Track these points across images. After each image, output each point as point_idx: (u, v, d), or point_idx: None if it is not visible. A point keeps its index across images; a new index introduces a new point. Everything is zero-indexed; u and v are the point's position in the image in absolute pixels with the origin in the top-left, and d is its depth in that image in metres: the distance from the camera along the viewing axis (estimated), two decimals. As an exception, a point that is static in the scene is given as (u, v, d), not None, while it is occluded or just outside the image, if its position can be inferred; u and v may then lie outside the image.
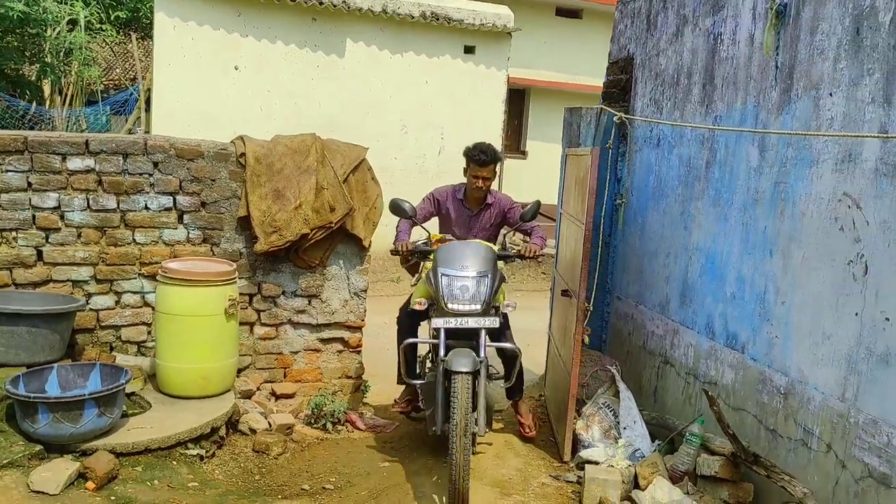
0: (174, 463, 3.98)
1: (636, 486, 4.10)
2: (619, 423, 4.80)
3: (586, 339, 5.23)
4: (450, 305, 4.13)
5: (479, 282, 4.16)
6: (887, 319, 3.07)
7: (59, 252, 4.61)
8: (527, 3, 15.15)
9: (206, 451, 4.18)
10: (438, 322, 4.10)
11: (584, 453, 4.62)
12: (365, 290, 5.45)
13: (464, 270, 4.17)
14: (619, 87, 6.03)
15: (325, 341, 5.38)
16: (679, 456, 4.14)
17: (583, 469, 4.36)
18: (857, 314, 3.25)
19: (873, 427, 3.10)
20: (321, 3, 10.47)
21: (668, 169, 5.13)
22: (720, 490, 3.84)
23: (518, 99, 15.38)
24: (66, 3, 12.44)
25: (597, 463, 4.44)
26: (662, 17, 5.37)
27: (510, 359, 4.62)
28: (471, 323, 4.08)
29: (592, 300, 5.50)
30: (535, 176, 13.98)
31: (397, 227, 4.93)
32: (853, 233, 3.30)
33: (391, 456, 4.71)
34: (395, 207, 4.64)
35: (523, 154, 15.82)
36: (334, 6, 10.56)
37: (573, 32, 15.63)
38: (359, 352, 5.51)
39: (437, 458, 4.63)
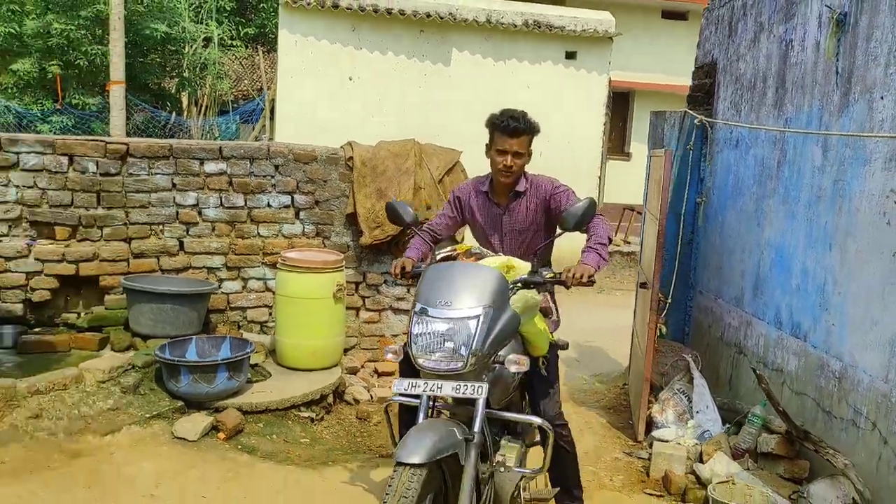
0: (289, 422, 4.66)
1: (700, 461, 4.44)
2: (692, 407, 5.12)
3: (663, 329, 5.58)
4: (419, 360, 2.69)
5: (466, 325, 2.65)
6: (924, 306, 3.31)
7: (197, 243, 5.41)
8: (632, 7, 15.32)
9: (316, 415, 4.84)
10: (399, 385, 2.71)
11: (657, 433, 4.97)
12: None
13: (444, 308, 2.69)
14: (703, 91, 6.31)
15: (422, 326, 5.95)
16: (742, 435, 4.44)
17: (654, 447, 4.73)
18: (899, 302, 3.49)
19: (910, 405, 3.35)
20: (429, 16, 11.13)
21: (745, 169, 5.40)
22: (777, 466, 4.13)
23: (622, 101, 15.57)
24: (202, 23, 13.72)
25: (666, 441, 4.79)
26: (742, 25, 5.64)
27: (544, 437, 3.06)
28: (445, 389, 2.65)
29: (671, 293, 5.83)
30: (640, 177, 14.11)
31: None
32: (898, 226, 3.55)
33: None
34: (391, 212, 3.27)
35: (627, 156, 15.99)
36: (441, 18, 11.19)
37: (679, 34, 15.67)
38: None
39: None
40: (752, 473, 4.08)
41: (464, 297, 2.72)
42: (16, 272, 5.08)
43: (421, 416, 2.70)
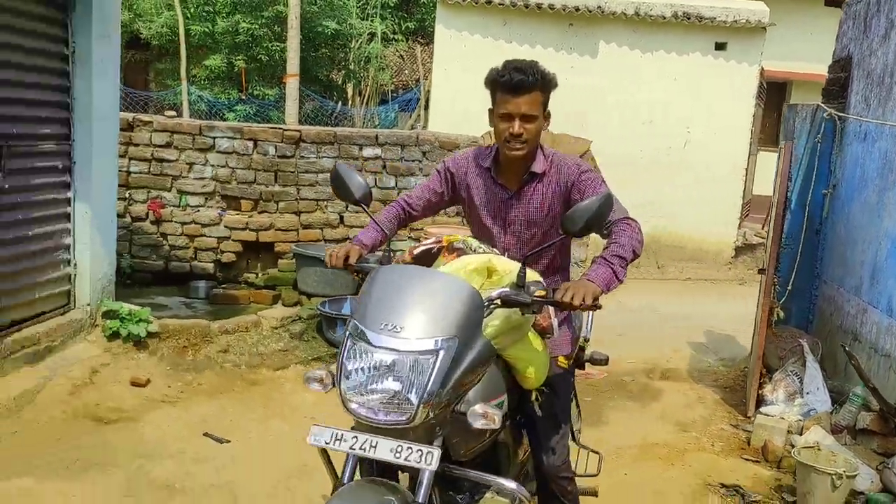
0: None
1: (799, 435, 4.73)
2: (803, 388, 5.37)
3: (780, 314, 5.82)
4: (350, 404, 2.00)
5: (418, 363, 1.95)
6: None
7: (354, 217, 6.26)
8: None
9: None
10: (318, 436, 2.03)
11: (764, 409, 5.28)
12: (584, 260, 6.50)
13: (390, 335, 1.97)
14: (838, 85, 6.41)
15: (549, 301, 6.52)
16: (842, 413, 4.69)
17: (760, 421, 5.05)
18: None
19: None
20: (577, 10, 11.53)
21: (870, 162, 5.52)
22: (871, 442, 4.37)
23: (777, 92, 15.19)
24: (367, 20, 14.86)
25: (771, 416, 5.10)
26: (876, 20, 5.73)
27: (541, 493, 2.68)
28: (381, 451, 1.96)
29: (793, 281, 6.03)
30: (790, 170, 13.78)
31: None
32: None
33: (592, 395, 5.75)
34: (335, 180, 2.49)
35: (782, 148, 15.58)
36: (590, 11, 11.56)
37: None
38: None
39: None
40: (846, 448, 4.34)
41: (419, 322, 1.96)
42: (209, 237, 6.16)
43: (347, 474, 2.05)
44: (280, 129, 6.24)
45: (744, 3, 11.86)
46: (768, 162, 15.08)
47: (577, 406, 3.55)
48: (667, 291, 9.89)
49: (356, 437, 1.99)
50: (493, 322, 2.22)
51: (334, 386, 2.09)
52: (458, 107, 11.71)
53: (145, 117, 6.41)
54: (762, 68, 12.32)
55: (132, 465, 3.68)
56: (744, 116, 12.06)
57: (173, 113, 6.97)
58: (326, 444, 2.01)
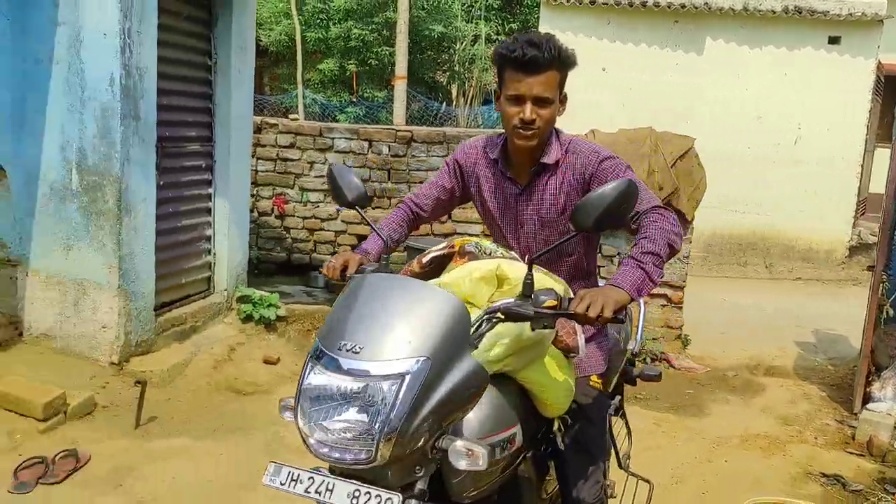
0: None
1: (906, 431, 4.72)
2: (913, 387, 5.32)
3: (890, 312, 5.76)
4: (308, 440, 1.71)
5: (380, 390, 1.64)
6: None
7: (461, 213, 6.59)
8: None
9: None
10: (273, 475, 1.76)
11: (871, 405, 5.26)
12: (687, 256, 6.59)
13: (350, 356, 1.69)
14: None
15: (651, 296, 6.64)
16: (953, 411, 4.65)
17: (866, 418, 5.05)
18: None
19: None
20: (683, 7, 11.49)
21: None
22: (981, 440, 4.33)
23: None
24: (471, 22, 15.23)
25: (878, 412, 5.09)
26: None
27: None
28: (336, 496, 1.69)
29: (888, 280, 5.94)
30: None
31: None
32: None
33: (693, 388, 5.85)
34: (330, 181, 2.28)
35: (902, 143, 14.92)
36: (696, 8, 11.49)
37: (971, 11, 14.26)
38: (680, 307, 6.67)
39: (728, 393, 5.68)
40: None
41: (386, 341, 1.69)
42: (327, 231, 6.64)
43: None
44: (393, 129, 6.64)
45: (860, -5, 11.50)
46: (886, 159, 14.48)
47: (627, 427, 3.19)
48: (775, 291, 9.78)
49: (312, 478, 1.71)
50: (502, 340, 1.92)
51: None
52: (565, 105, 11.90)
53: (272, 120, 6.96)
54: (879, 62, 11.91)
55: (268, 430, 4.12)
56: (859, 112, 11.68)
57: (296, 116, 7.52)
58: (281, 485, 1.72)
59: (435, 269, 2.23)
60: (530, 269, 1.83)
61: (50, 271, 4.32)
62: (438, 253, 2.27)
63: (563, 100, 2.26)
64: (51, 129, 4.17)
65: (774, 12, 11.50)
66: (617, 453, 2.92)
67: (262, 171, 6.93)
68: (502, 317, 1.82)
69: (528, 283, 1.82)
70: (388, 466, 1.67)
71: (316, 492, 1.69)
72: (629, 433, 3.20)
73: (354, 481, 1.68)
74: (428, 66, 15.71)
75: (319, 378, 1.68)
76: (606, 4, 11.62)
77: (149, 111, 4.31)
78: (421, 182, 6.58)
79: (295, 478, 1.72)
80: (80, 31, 4.04)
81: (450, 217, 6.68)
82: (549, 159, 2.25)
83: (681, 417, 5.17)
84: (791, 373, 6.41)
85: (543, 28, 11.99)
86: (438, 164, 6.56)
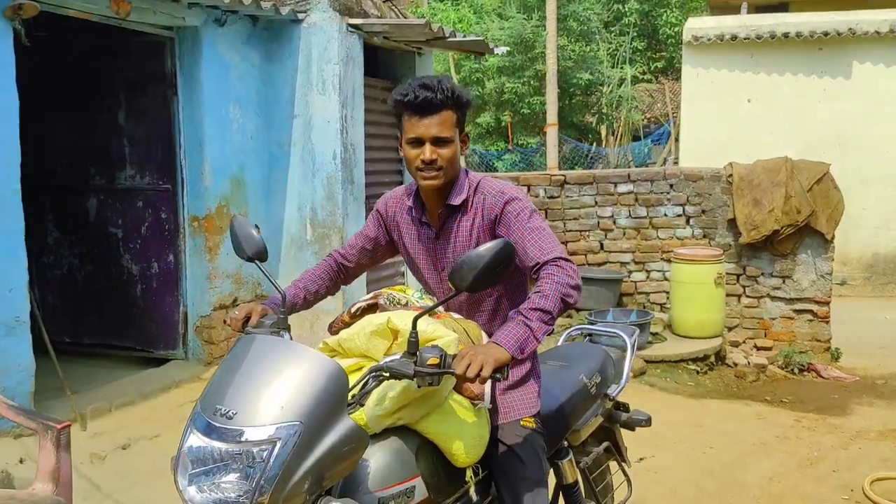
0: (679, 371, 6.39)
1: None
2: None
3: None
4: (185, 490, 1.73)
5: (250, 456, 1.69)
6: None
7: (612, 244, 7.45)
8: None
9: (700, 369, 6.48)
10: None
11: None
12: (830, 273, 7.06)
13: (224, 421, 1.73)
14: None
15: (797, 311, 7.16)
16: None
17: None
18: None
19: None
20: (826, 35, 11.77)
21: None
22: None
23: None
24: (617, 67, 16.09)
25: None
26: None
27: None
28: None
29: None
30: None
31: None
32: None
33: (839, 394, 6.31)
34: (231, 236, 2.32)
35: None
36: (839, 34, 11.74)
37: None
38: (827, 322, 7.12)
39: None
40: None
41: (259, 406, 1.74)
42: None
43: None
44: (549, 175, 7.63)
45: None
46: None
47: (625, 474, 3.18)
48: None
49: None
50: (390, 394, 1.96)
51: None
52: (710, 137, 12.40)
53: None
54: None
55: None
56: None
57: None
58: None
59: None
60: (414, 327, 1.87)
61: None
62: (364, 304, 2.38)
63: (464, 139, 2.29)
64: (291, 195, 5.54)
65: (923, 31, 11.53)
66: (598, 500, 2.93)
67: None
68: (387, 374, 1.87)
69: (413, 342, 1.86)
70: None
71: None
72: (628, 480, 3.15)
73: None
74: (577, 110, 16.67)
75: (195, 440, 1.71)
76: (748, 39, 12.11)
77: (359, 176, 5.59)
78: (575, 219, 7.50)
79: None
80: (311, 120, 5.40)
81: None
82: (456, 200, 2.25)
83: (823, 416, 5.70)
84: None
85: (686, 67, 12.64)
86: (590, 201, 7.48)
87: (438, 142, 2.16)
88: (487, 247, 1.84)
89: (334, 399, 1.77)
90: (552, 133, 13.33)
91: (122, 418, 4.54)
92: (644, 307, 7.39)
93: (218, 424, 1.70)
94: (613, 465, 3.15)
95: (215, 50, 5.09)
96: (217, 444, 1.68)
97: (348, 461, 1.79)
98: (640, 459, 4.51)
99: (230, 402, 1.73)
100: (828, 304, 7.12)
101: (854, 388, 6.47)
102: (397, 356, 1.89)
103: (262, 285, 5.72)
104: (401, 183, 6.51)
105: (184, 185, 5.20)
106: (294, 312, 2.34)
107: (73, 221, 5.29)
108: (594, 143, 16.88)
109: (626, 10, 17.12)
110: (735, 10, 15.05)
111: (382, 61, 6.12)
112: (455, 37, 5.90)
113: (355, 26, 5.35)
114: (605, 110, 16.51)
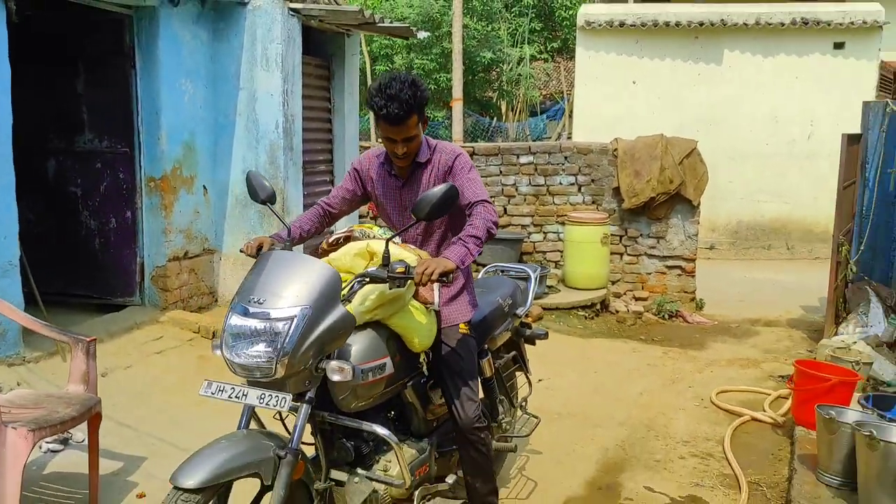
0: (571, 317, 7.49)
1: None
2: (867, 322, 6.96)
3: (853, 269, 7.40)
4: (229, 363, 2.48)
5: (275, 328, 2.40)
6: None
7: (514, 209, 8.45)
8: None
9: (588, 315, 7.61)
10: (206, 388, 2.50)
11: (834, 338, 6.92)
12: (696, 235, 8.31)
13: (256, 306, 2.44)
14: (906, 83, 7.84)
15: (668, 267, 8.39)
16: (884, 333, 6.31)
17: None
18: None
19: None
20: (702, 24, 13.14)
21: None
22: (898, 350, 5.99)
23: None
24: (517, 46, 17.15)
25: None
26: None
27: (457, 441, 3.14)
28: (250, 398, 2.44)
29: (864, 244, 7.54)
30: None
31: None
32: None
33: (700, 334, 7.57)
34: (248, 184, 2.99)
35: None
36: (713, 25, 13.13)
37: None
38: (693, 276, 8.39)
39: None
40: (876, 351, 5.98)
41: (280, 296, 2.44)
42: (412, 227, 8.57)
43: (243, 422, 2.55)
44: (461, 147, 8.55)
45: (859, 6, 12.99)
46: None
47: (528, 378, 4.05)
48: (793, 269, 11.12)
49: (233, 388, 2.44)
50: (371, 296, 2.68)
51: None
52: (599, 115, 13.60)
53: (365, 143, 8.94)
54: (882, 62, 13.33)
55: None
56: (863, 108, 13.14)
57: (378, 141, 9.40)
58: (212, 394, 2.46)
59: (338, 248, 3.02)
60: (387, 246, 2.61)
61: (237, 255, 6.33)
62: (340, 235, 3.12)
63: (425, 122, 2.95)
64: (236, 160, 6.19)
65: (783, 24, 13.07)
66: (513, 397, 3.83)
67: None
68: (367, 280, 2.63)
69: (386, 256, 2.60)
70: (286, 380, 2.40)
71: (235, 397, 2.43)
72: (529, 382, 4.06)
73: (261, 388, 2.40)
74: (480, 86, 17.66)
75: (236, 321, 2.41)
76: (634, 26, 13.34)
77: (298, 144, 6.31)
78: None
79: (221, 389, 2.44)
80: (255, 94, 6.06)
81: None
82: (421, 158, 2.99)
83: (685, 350, 6.93)
84: (784, 324, 8.04)
85: (579, 49, 13.75)
86: (495, 171, 8.43)
87: (407, 140, 2.85)
88: (439, 188, 2.58)
89: (332, 292, 2.48)
90: (457, 108, 14.25)
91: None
92: (541, 264, 8.45)
93: (252, 309, 2.40)
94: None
95: (170, 28, 5.67)
96: (251, 322, 2.38)
97: (339, 338, 2.51)
98: (540, 380, 5.51)
99: (260, 293, 2.44)
100: (694, 260, 8.38)
101: (712, 330, 7.75)
102: (372, 269, 2.66)
103: (209, 239, 6.36)
104: (331, 150, 7.27)
105: (141, 149, 5.78)
106: (294, 245, 2.95)
107: (35, 182, 5.75)
108: (495, 118, 17.93)
109: (526, -8, 18.21)
110: (623, -2, 16.35)
111: (315, 40, 6.80)
112: (383, 22, 6.66)
113: (295, 10, 6.04)
114: (505, 87, 17.55)
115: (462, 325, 3.08)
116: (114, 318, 5.68)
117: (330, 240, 3.13)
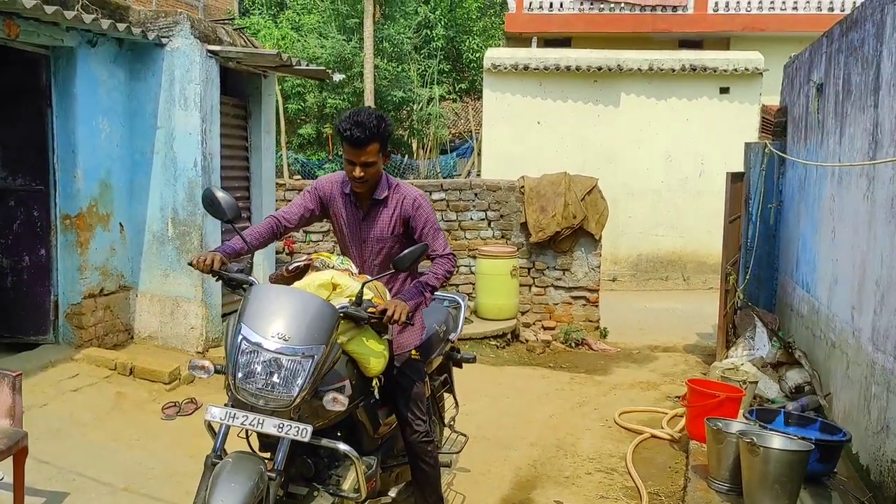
0: (483, 346, 7.80)
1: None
2: (754, 345, 7.56)
3: (740, 296, 8.02)
4: (240, 391, 2.65)
5: (300, 365, 2.65)
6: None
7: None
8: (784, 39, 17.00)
9: (499, 345, 7.94)
10: (216, 413, 2.67)
11: (724, 361, 7.48)
12: (598, 267, 8.82)
13: (280, 341, 2.66)
14: (782, 126, 8.64)
15: (574, 298, 8.85)
16: (768, 354, 6.89)
17: (717, 367, 7.25)
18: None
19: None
20: (600, 69, 13.95)
21: (795, 182, 7.75)
22: (780, 369, 6.55)
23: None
24: (426, 87, 17.67)
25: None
26: (796, 79, 8.00)
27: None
28: (267, 427, 2.63)
29: (750, 274, 8.21)
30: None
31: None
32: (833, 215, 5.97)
33: (604, 360, 8.01)
34: (205, 200, 3.07)
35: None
36: (610, 70, 13.96)
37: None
38: (596, 305, 8.87)
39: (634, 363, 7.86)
40: (760, 371, 6.53)
41: (301, 333, 2.68)
42: (327, 262, 8.74)
43: (218, 443, 2.70)
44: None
45: (742, 54, 14.10)
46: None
47: (455, 399, 4.33)
48: (689, 299, 11.75)
49: (246, 415, 2.62)
50: (341, 328, 2.89)
51: (217, 373, 2.81)
52: (507, 153, 14.14)
53: (280, 180, 9.08)
54: (763, 105, 14.46)
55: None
56: (747, 148, 14.19)
57: (298, 176, 9.58)
58: (221, 419, 2.63)
59: (298, 275, 3.21)
60: (362, 288, 2.92)
61: (153, 292, 6.34)
62: (300, 263, 3.28)
63: (386, 155, 3.20)
64: (153, 197, 6.23)
65: (674, 70, 14.03)
66: (443, 416, 4.12)
67: (273, 220, 9.02)
68: (343, 316, 2.86)
69: (360, 295, 2.90)
70: (292, 409, 2.63)
71: (250, 424, 2.61)
72: (456, 403, 4.35)
73: (277, 418, 2.61)
74: (391, 124, 18.06)
75: (257, 355, 2.63)
76: (537, 69, 14.01)
77: (216, 181, 6.41)
78: (396, 222, 8.71)
79: (232, 415, 2.60)
80: (174, 132, 6.16)
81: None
82: (379, 195, 3.23)
83: (591, 375, 7.34)
84: (681, 349, 8.60)
85: (486, 91, 14.33)
86: (408, 207, 8.74)
87: (366, 165, 3.08)
88: (418, 248, 2.96)
89: (333, 329, 2.77)
90: (370, 145, 14.54)
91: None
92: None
93: (277, 342, 2.63)
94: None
95: (87, 68, 5.73)
96: (277, 355, 2.62)
97: (331, 369, 2.80)
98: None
99: (282, 328, 2.66)
100: (597, 291, 8.88)
101: (616, 356, 8.22)
102: (345, 303, 2.91)
103: (126, 276, 6.35)
104: (248, 188, 7.39)
105: (56, 186, 5.77)
106: (239, 257, 3.12)
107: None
108: (406, 156, 18.31)
109: (434, 35, 18.81)
110: (527, 42, 17.16)
111: (232, 80, 6.96)
112: (300, 65, 6.89)
113: (214, 52, 6.20)
114: (416, 126, 18.00)
115: (413, 352, 3.35)
116: (27, 356, 5.60)
117: (290, 267, 3.29)
